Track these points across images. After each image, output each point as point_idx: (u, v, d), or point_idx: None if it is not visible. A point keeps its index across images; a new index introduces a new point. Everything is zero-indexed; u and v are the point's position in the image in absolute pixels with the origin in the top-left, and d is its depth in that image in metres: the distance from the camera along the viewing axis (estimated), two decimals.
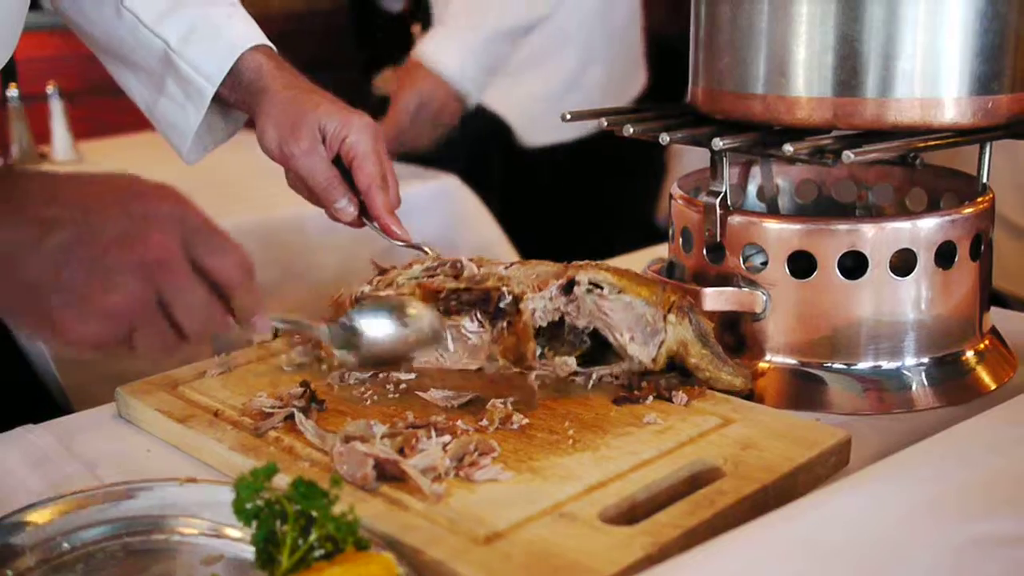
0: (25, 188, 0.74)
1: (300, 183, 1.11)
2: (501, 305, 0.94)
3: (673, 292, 0.93)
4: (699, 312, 0.94)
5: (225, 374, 1.01)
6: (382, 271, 1.04)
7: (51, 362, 1.19)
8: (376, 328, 0.92)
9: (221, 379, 1.00)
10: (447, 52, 1.95)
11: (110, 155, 2.28)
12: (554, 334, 0.97)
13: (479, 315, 0.96)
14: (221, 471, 0.87)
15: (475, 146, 2.19)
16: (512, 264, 0.98)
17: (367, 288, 1.00)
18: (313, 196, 1.11)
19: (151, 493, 0.78)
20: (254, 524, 0.68)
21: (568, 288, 0.94)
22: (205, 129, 1.16)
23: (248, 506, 0.68)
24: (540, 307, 0.95)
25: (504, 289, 0.94)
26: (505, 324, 0.94)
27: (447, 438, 0.84)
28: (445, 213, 1.95)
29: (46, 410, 1.03)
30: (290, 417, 0.89)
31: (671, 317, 0.92)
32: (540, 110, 2.16)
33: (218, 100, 1.13)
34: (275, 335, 1.09)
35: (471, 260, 1.01)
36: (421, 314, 0.94)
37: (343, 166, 1.09)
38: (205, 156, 1.19)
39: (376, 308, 0.93)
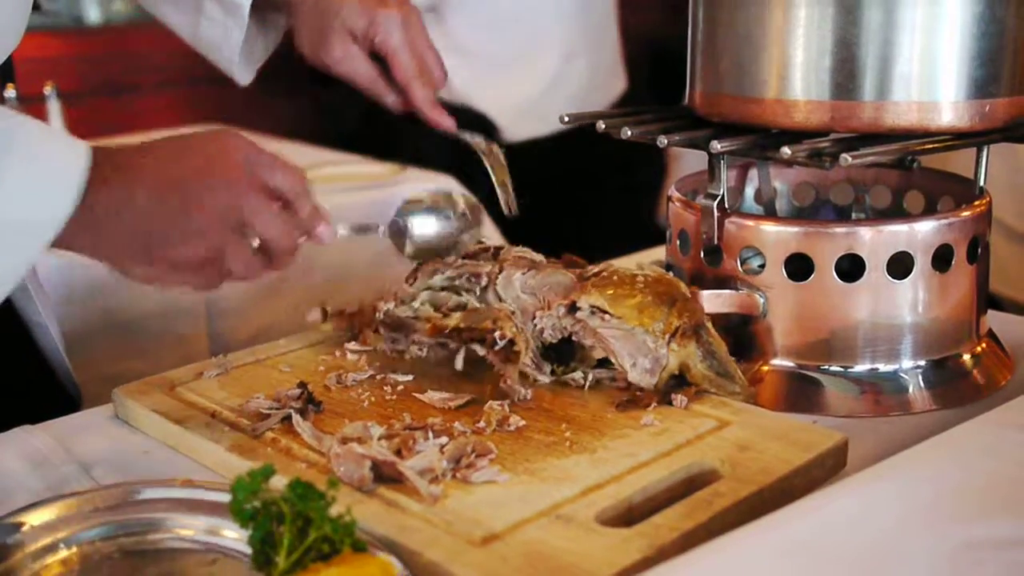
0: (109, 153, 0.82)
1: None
2: (496, 348, 0.96)
3: (679, 315, 0.92)
4: (708, 332, 0.94)
5: (222, 375, 1.01)
6: (413, 273, 1.06)
7: (65, 359, 1.18)
8: (424, 226, 1.02)
9: (218, 380, 1.00)
10: None
11: None
12: (565, 351, 0.98)
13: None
14: (218, 472, 0.87)
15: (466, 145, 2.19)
16: (530, 270, 0.98)
17: (391, 306, 1.02)
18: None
19: (148, 494, 0.78)
20: (251, 525, 0.68)
21: (573, 308, 0.94)
22: (249, 44, 1.17)
23: (245, 507, 0.69)
24: (548, 325, 0.96)
25: (497, 335, 0.94)
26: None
27: (444, 440, 0.84)
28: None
29: (58, 405, 1.03)
30: (287, 418, 0.89)
31: (674, 345, 0.92)
32: (524, 107, 2.16)
33: (256, 8, 1.13)
34: (324, 317, 1.10)
35: (494, 256, 1.03)
36: (460, 204, 1.03)
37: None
38: (256, 71, 1.20)
39: (422, 209, 1.03)
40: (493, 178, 1.08)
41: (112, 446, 0.93)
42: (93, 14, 2.73)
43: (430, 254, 1.03)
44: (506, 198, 1.08)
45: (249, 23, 1.13)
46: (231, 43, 1.15)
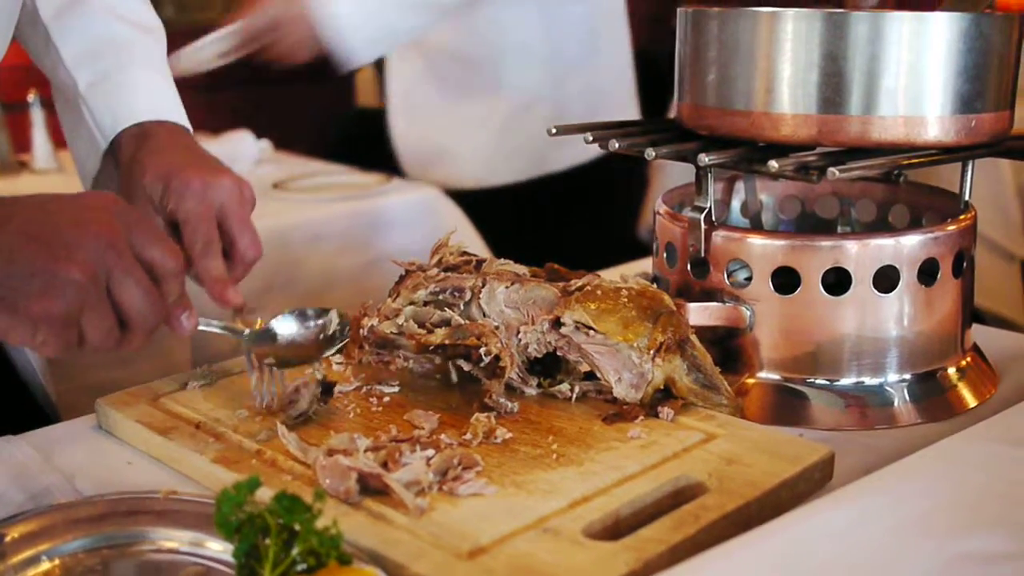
0: None
1: None
2: (482, 365, 0.96)
3: (663, 329, 0.92)
4: (693, 345, 0.94)
5: (207, 386, 1.01)
6: (406, 272, 1.04)
7: (39, 372, 1.17)
8: (287, 329, 0.98)
9: (203, 391, 1.00)
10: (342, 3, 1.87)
11: None
12: (551, 363, 0.98)
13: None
14: (203, 484, 0.86)
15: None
16: (513, 283, 0.98)
17: (375, 322, 1.00)
18: None
19: (131, 506, 0.77)
20: (236, 538, 0.68)
21: (558, 323, 0.94)
22: (113, 183, 1.11)
23: (230, 520, 0.68)
24: (533, 341, 0.96)
25: (482, 351, 0.94)
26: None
27: (431, 452, 0.84)
28: (426, 225, 1.95)
29: (33, 420, 1.02)
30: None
31: (659, 359, 0.92)
32: (487, 154, 2.12)
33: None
34: None
35: (476, 268, 1.02)
36: (330, 317, 0.99)
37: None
38: None
39: (290, 314, 0.99)
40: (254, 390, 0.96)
41: (95, 457, 0.93)
42: None
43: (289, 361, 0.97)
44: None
45: (112, 169, 1.08)
46: (88, 169, 1.11)
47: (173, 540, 0.76)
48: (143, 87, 1.08)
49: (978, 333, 1.08)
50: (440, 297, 1.01)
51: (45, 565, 0.73)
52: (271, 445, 0.88)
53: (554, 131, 1.09)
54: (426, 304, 1.01)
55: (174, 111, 1.08)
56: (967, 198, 1.04)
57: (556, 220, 2.22)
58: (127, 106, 1.06)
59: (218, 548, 0.74)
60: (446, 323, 0.98)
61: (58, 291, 0.77)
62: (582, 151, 2.08)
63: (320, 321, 0.99)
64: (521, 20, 2.03)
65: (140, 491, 0.80)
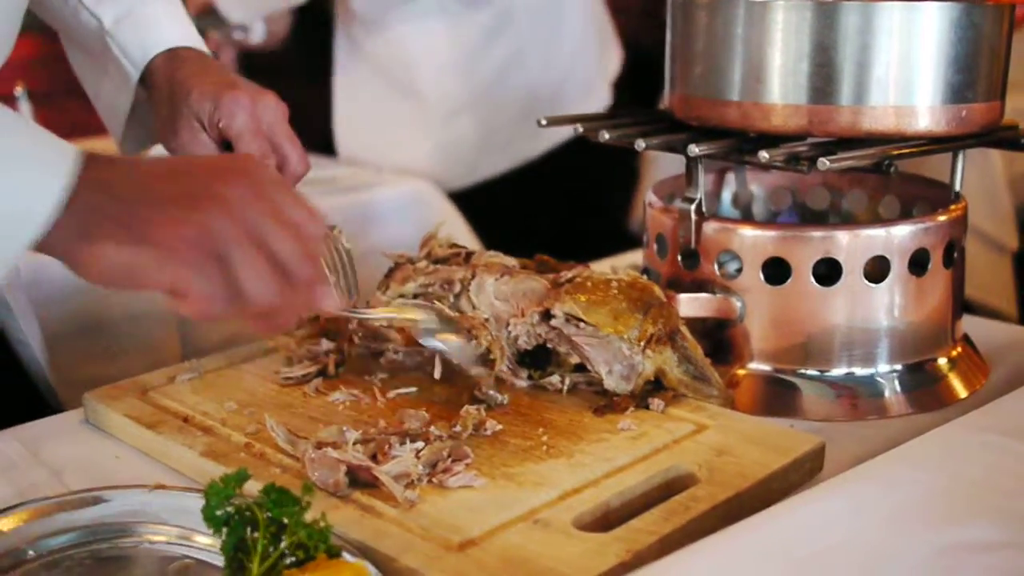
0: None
1: None
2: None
3: (654, 321, 0.92)
4: (684, 336, 0.93)
5: (195, 380, 1.00)
6: (396, 264, 1.04)
7: (43, 366, 1.17)
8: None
9: (191, 385, 0.99)
10: None
11: None
12: (541, 354, 0.97)
13: None
14: (191, 477, 0.85)
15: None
16: (503, 275, 0.98)
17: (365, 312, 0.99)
18: None
19: (119, 499, 0.77)
20: (224, 531, 0.68)
21: (548, 315, 0.94)
22: (145, 123, 1.11)
23: (218, 513, 0.68)
24: (523, 333, 0.95)
25: (472, 344, 0.94)
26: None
27: (420, 444, 0.83)
28: (417, 218, 1.94)
29: (37, 415, 1.01)
30: (323, 372, 0.97)
31: (649, 351, 0.92)
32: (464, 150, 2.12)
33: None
34: (298, 324, 1.05)
35: (466, 260, 1.02)
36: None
37: None
38: (141, 151, 1.15)
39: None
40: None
41: (83, 451, 0.92)
42: None
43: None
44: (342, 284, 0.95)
45: (144, 103, 1.08)
46: (119, 109, 1.09)
47: (161, 534, 0.76)
48: (166, 17, 1.08)
49: (968, 324, 1.08)
50: (430, 290, 1.01)
51: (32, 559, 0.73)
52: (260, 438, 0.87)
53: (544, 123, 1.09)
54: (416, 296, 1.01)
55: (197, 40, 1.09)
56: (958, 188, 1.04)
57: (547, 213, 2.21)
58: (155, 35, 1.06)
59: (206, 541, 0.74)
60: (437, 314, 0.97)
61: (198, 220, 0.69)
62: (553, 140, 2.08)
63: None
64: (429, 31, 2.03)
65: (128, 484, 0.80)
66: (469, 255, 1.04)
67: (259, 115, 0.98)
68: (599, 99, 2.18)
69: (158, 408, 0.94)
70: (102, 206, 0.70)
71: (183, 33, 1.08)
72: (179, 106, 0.99)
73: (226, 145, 0.99)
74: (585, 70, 2.17)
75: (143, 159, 0.78)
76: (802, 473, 0.84)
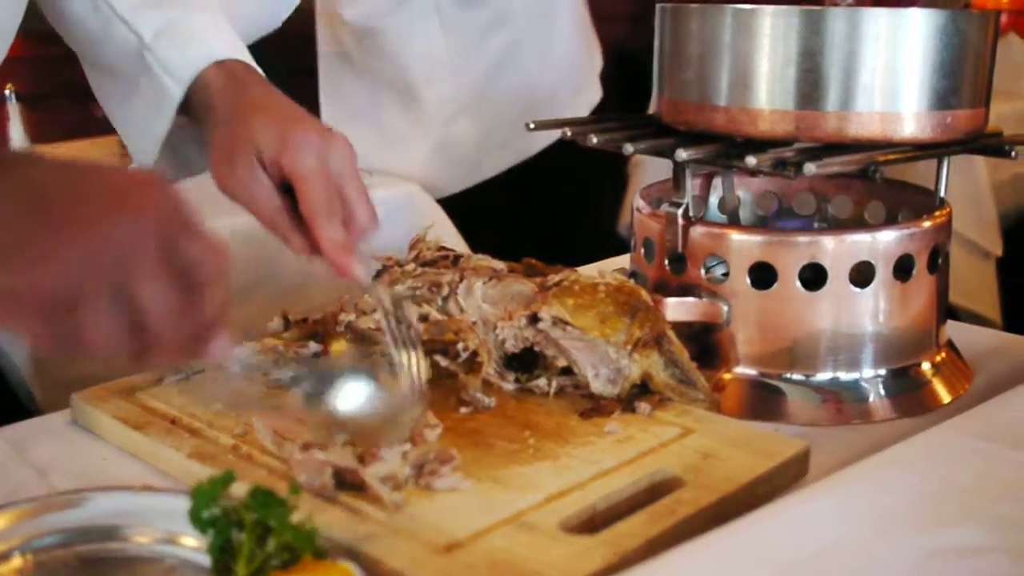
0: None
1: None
2: (459, 360, 0.95)
3: (641, 325, 0.92)
4: (670, 340, 0.94)
5: (183, 381, 1.00)
6: (384, 267, 1.04)
7: (21, 369, 1.16)
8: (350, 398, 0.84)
9: (178, 386, 0.99)
10: None
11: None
12: (528, 358, 0.97)
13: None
14: (178, 479, 0.85)
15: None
16: (491, 279, 0.98)
17: (353, 317, 0.99)
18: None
19: (106, 501, 0.77)
20: (210, 533, 0.68)
21: (535, 318, 0.94)
22: (179, 152, 1.05)
23: (204, 515, 0.68)
24: (510, 336, 0.95)
25: (460, 347, 0.94)
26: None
27: (407, 446, 0.83)
28: (406, 221, 1.94)
29: (13, 418, 1.00)
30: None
31: (636, 355, 0.92)
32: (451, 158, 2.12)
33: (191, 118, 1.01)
34: (286, 326, 1.03)
35: (454, 263, 1.02)
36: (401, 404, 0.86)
37: None
38: (180, 180, 1.07)
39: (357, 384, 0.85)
40: (392, 345, 0.88)
41: (69, 452, 0.92)
42: None
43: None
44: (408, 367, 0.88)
45: (181, 134, 1.02)
46: (154, 133, 1.01)
47: (147, 535, 0.75)
48: (213, 29, 1.01)
49: (952, 329, 1.09)
50: (417, 292, 1.01)
51: (17, 560, 0.73)
52: (247, 440, 0.87)
53: (532, 126, 1.09)
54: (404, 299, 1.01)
55: (246, 54, 1.01)
56: (942, 194, 1.04)
57: (536, 217, 2.22)
58: (201, 47, 0.98)
59: (193, 543, 0.73)
60: (423, 318, 0.98)
61: (55, 264, 0.63)
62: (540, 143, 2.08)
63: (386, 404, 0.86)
64: (424, 33, 2.03)
65: (115, 485, 0.80)
66: (457, 258, 1.04)
67: (328, 159, 0.89)
68: (592, 95, 2.19)
69: (145, 409, 0.94)
70: None
71: (231, 45, 1.00)
72: (239, 136, 0.91)
73: (286, 188, 0.90)
74: (577, 67, 2.18)
75: (36, 162, 0.70)
76: (787, 477, 0.84)
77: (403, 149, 2.11)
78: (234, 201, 0.92)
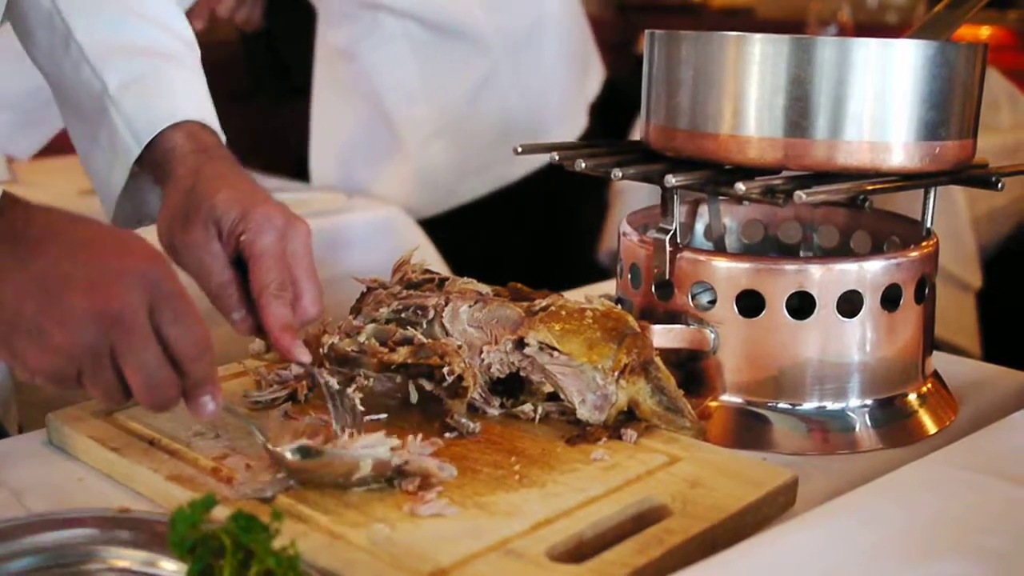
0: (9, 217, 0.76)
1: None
2: (444, 384, 0.94)
3: (628, 351, 0.92)
4: (657, 367, 0.93)
5: None
6: (368, 289, 1.03)
7: (4, 389, 1.13)
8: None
9: None
10: None
11: (47, 176, 2.23)
12: (514, 383, 0.96)
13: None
14: (156, 502, 0.84)
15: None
16: (477, 302, 0.97)
17: (336, 340, 0.97)
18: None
19: (82, 524, 0.75)
20: (190, 558, 0.66)
21: (522, 343, 0.93)
22: (136, 199, 1.04)
23: (184, 539, 0.66)
24: (496, 361, 0.94)
25: (445, 371, 0.93)
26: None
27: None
28: (386, 244, 1.94)
29: None
30: (292, 397, 0.96)
31: (623, 381, 0.91)
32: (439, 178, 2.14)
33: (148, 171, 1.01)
34: (268, 348, 1.01)
35: (439, 286, 1.01)
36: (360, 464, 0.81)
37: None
38: (138, 229, 1.05)
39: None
40: (334, 423, 0.88)
41: (45, 473, 0.90)
42: None
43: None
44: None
45: (140, 181, 1.02)
46: (112, 183, 1.01)
47: (125, 559, 0.74)
48: (183, 87, 1.00)
49: (937, 360, 1.09)
50: (402, 315, 1.00)
51: None
52: (227, 463, 0.86)
53: (519, 150, 1.09)
54: (388, 322, 1.00)
55: (212, 118, 1.01)
56: (929, 225, 1.04)
57: (516, 242, 2.22)
58: (167, 105, 0.98)
59: (172, 568, 0.72)
60: (408, 341, 0.96)
61: (50, 352, 0.74)
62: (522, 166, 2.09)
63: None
64: (396, 59, 2.06)
65: (91, 508, 0.78)
66: (443, 281, 1.03)
67: (287, 240, 0.91)
68: (576, 124, 2.19)
69: (123, 430, 0.93)
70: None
71: (198, 107, 1.00)
72: (199, 204, 0.92)
73: (237, 261, 0.92)
74: (563, 94, 2.18)
75: (41, 216, 0.77)
76: (775, 507, 0.83)
77: (385, 171, 2.12)
78: (178, 265, 0.92)
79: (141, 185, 1.03)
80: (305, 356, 0.91)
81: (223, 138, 1.02)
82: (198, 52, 1.08)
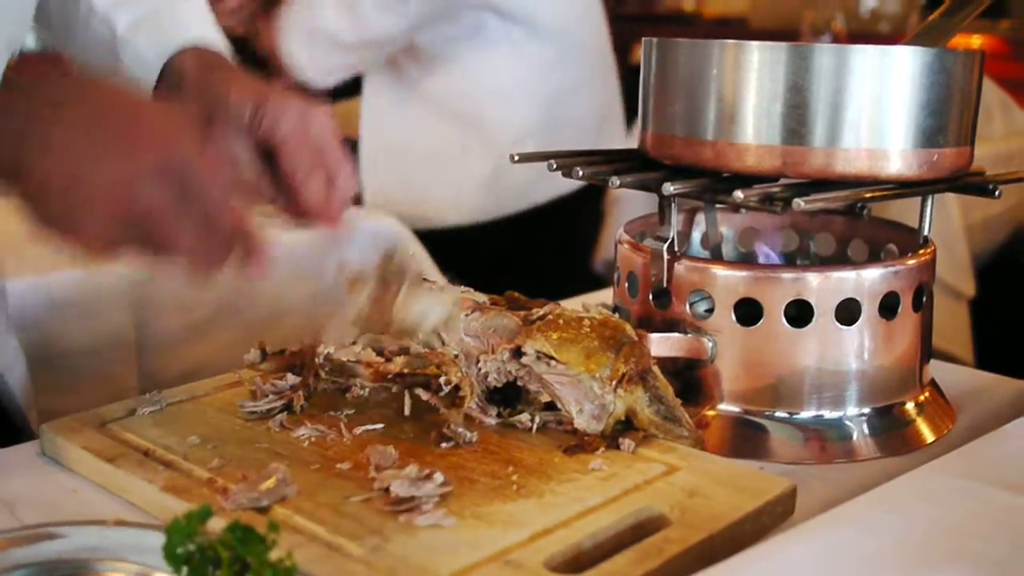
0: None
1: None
2: (441, 394, 0.93)
3: (626, 360, 0.91)
4: (655, 376, 0.92)
5: (157, 413, 0.98)
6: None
7: (16, 393, 1.12)
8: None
9: (153, 417, 0.97)
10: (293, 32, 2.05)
11: None
12: (511, 392, 0.96)
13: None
14: (151, 513, 0.83)
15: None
16: (473, 311, 0.97)
17: (331, 349, 0.97)
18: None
19: (76, 535, 0.74)
20: (185, 570, 0.65)
21: (519, 352, 0.93)
22: None
23: (180, 551, 0.66)
24: (493, 370, 0.94)
25: (442, 380, 0.92)
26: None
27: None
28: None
29: (8, 442, 0.98)
30: (288, 407, 0.95)
31: (621, 390, 0.91)
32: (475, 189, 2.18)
33: None
34: (263, 358, 1.02)
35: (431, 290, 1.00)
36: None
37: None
38: None
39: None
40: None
41: (38, 484, 0.89)
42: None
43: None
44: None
45: None
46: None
47: (120, 572, 0.73)
48: (189, 17, 1.01)
49: (935, 368, 1.08)
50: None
51: None
52: (222, 473, 0.85)
53: (516, 158, 1.08)
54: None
55: (222, 44, 1.01)
56: (927, 232, 1.04)
57: (513, 252, 2.22)
58: (176, 32, 0.99)
59: None
60: (405, 351, 0.96)
61: (135, 181, 0.73)
62: (560, 185, 2.16)
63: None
64: (495, 61, 2.13)
65: (85, 519, 0.77)
66: (440, 291, 1.03)
67: (307, 124, 0.91)
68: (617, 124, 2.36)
69: (118, 441, 0.92)
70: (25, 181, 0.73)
71: (206, 32, 1.01)
72: (214, 108, 0.92)
73: (266, 156, 0.92)
74: (617, 103, 2.34)
75: (81, 85, 0.78)
76: (774, 516, 0.83)
77: (454, 173, 2.18)
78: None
79: None
80: (346, 228, 0.92)
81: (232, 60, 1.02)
82: None
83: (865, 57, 0.93)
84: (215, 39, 1.02)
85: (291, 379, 1.01)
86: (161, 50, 0.99)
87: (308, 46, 2.13)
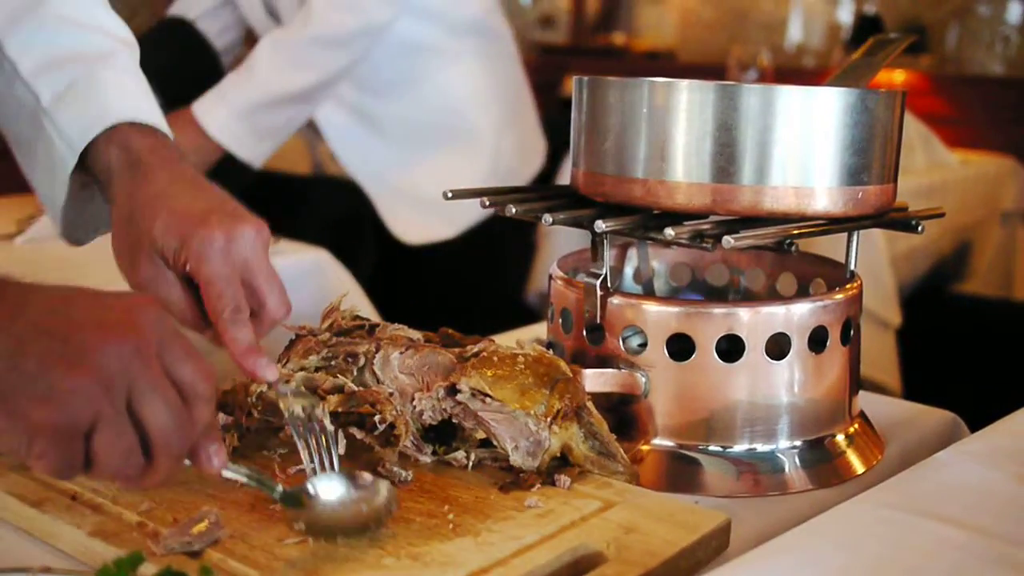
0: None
1: None
2: (376, 432, 0.93)
3: (560, 396, 0.92)
4: (590, 412, 0.93)
5: None
6: (296, 336, 1.01)
7: None
8: (330, 493, 0.82)
9: None
10: (212, 112, 1.98)
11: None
12: (446, 430, 0.96)
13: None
14: (80, 559, 0.81)
15: (343, 224, 2.22)
16: (408, 349, 0.96)
17: (264, 388, 0.95)
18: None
19: None
20: None
21: (454, 390, 0.93)
22: (88, 210, 1.01)
23: None
24: (428, 408, 0.94)
25: (377, 419, 0.92)
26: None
27: None
28: (316, 288, 1.92)
29: None
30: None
31: (555, 427, 0.91)
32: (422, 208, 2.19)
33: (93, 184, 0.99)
34: None
35: (370, 333, 1.00)
36: (378, 487, 0.82)
37: None
38: (93, 239, 1.04)
39: (332, 477, 0.83)
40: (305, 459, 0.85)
41: None
42: None
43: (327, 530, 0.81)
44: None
45: (90, 191, 1.00)
46: (55, 198, 0.99)
47: None
48: (115, 88, 0.97)
49: (864, 400, 1.10)
50: (332, 363, 0.99)
51: None
52: (152, 516, 0.84)
53: (450, 195, 1.08)
54: (318, 370, 0.99)
55: (153, 113, 0.97)
56: (853, 267, 1.06)
57: (444, 284, 2.22)
58: (98, 109, 0.95)
59: None
60: (339, 389, 0.95)
61: (63, 398, 0.66)
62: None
63: (366, 491, 0.83)
64: (467, 69, 2.19)
65: (10, 567, 0.76)
66: (373, 327, 1.02)
67: (233, 256, 0.88)
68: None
69: (43, 484, 0.90)
70: None
71: (136, 104, 0.97)
72: (140, 237, 0.90)
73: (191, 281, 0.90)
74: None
75: (23, 290, 0.71)
76: (709, 551, 0.83)
77: (459, 176, 2.19)
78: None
79: (92, 195, 1.00)
80: (272, 374, 0.87)
81: (166, 131, 0.98)
82: (136, 48, 1.05)
83: (791, 98, 0.95)
84: (147, 110, 0.98)
85: (223, 418, 0.99)
86: (84, 129, 0.95)
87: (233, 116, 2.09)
